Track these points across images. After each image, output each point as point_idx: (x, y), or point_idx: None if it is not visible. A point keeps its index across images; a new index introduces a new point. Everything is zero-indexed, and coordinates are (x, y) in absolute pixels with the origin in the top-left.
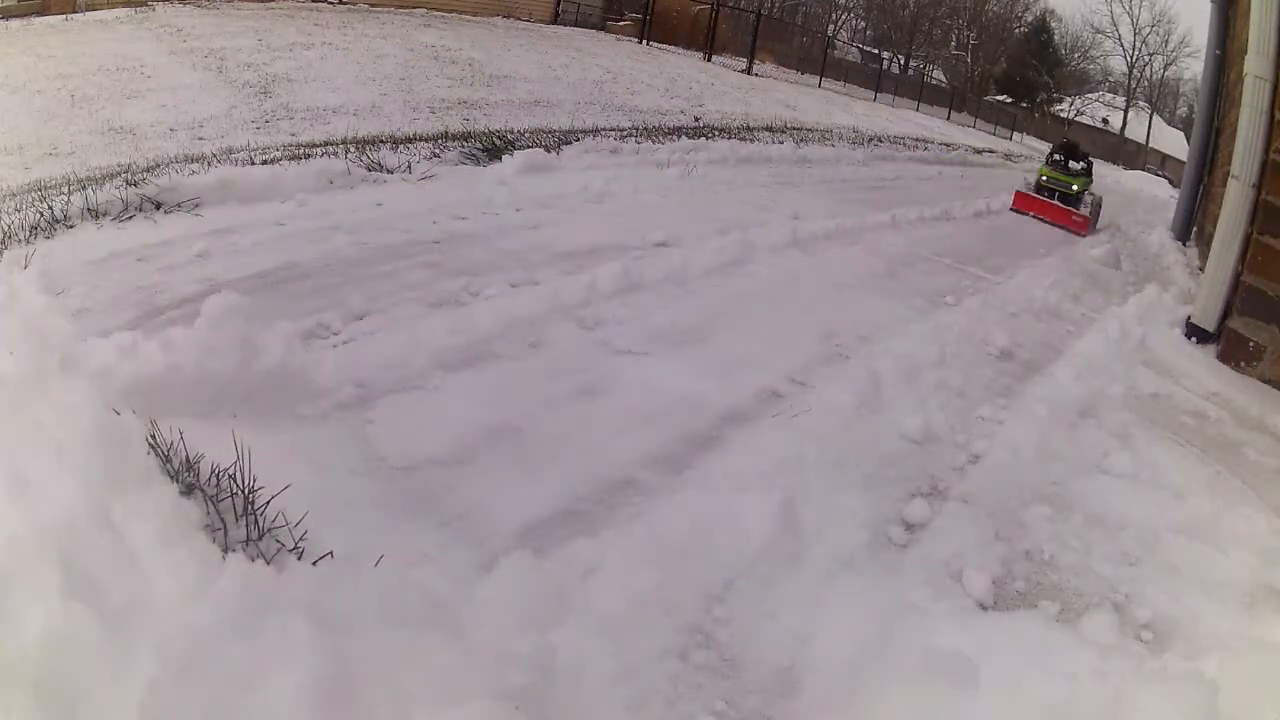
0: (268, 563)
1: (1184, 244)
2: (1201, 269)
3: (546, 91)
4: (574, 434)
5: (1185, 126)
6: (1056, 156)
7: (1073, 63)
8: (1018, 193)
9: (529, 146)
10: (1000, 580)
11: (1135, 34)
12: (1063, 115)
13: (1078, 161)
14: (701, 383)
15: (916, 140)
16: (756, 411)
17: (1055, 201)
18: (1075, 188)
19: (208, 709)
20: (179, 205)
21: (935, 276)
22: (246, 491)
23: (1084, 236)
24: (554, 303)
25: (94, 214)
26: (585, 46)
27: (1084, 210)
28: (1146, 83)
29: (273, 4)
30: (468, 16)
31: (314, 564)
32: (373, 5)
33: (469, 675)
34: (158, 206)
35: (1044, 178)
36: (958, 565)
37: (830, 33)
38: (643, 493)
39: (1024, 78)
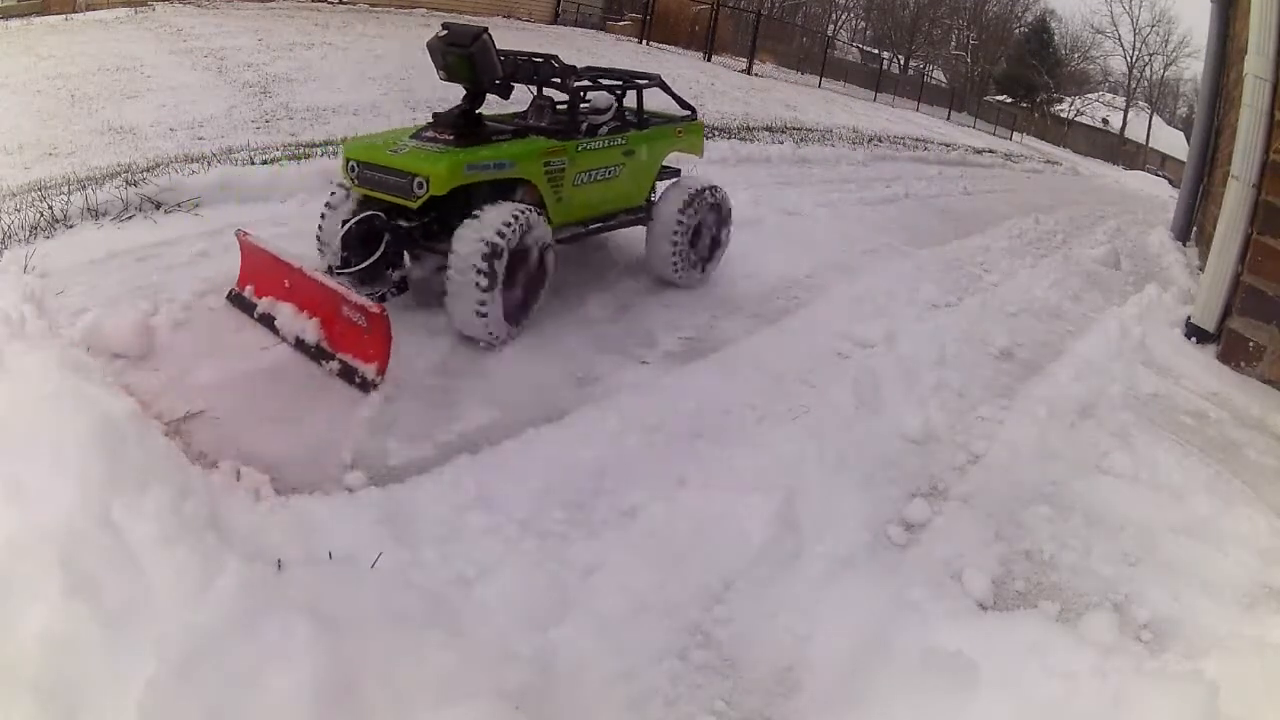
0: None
1: (1184, 244)
2: (1201, 269)
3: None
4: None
5: (1185, 126)
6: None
7: (1073, 63)
8: (245, 246)
9: None
10: (1000, 580)
11: (1135, 34)
12: (1063, 115)
13: (502, 93)
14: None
15: (916, 140)
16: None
17: (318, 276)
18: (422, 185)
19: (208, 709)
20: (179, 205)
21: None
22: None
23: (374, 382)
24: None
25: (94, 214)
26: (585, 46)
27: (473, 281)
28: (1146, 83)
29: (273, 4)
30: (468, 17)
31: (313, 564)
32: (373, 5)
33: (469, 675)
34: (158, 206)
35: (354, 169)
36: (958, 565)
37: (830, 33)
38: None
39: (1024, 78)
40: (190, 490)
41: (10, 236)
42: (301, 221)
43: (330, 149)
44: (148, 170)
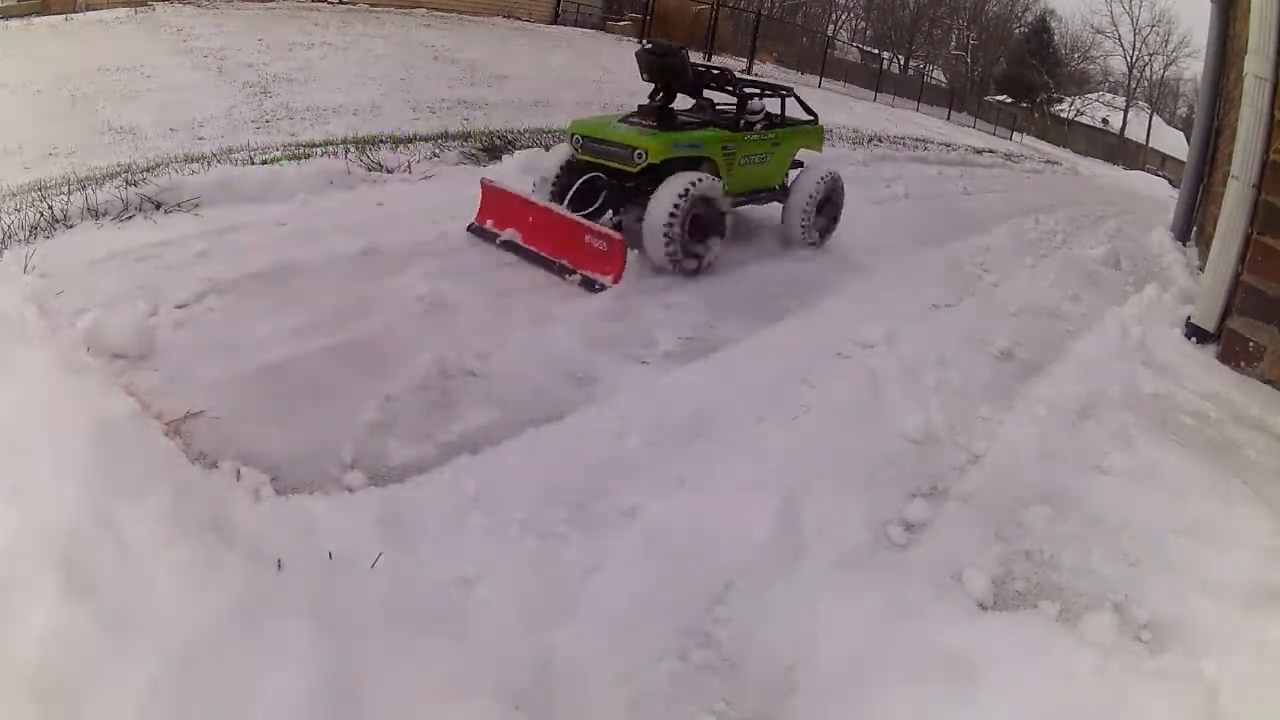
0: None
1: (1184, 244)
2: (1201, 269)
3: (546, 91)
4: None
5: (1185, 126)
6: (658, 95)
7: (1073, 63)
8: (487, 188)
9: (529, 146)
10: (1000, 580)
11: (1135, 34)
12: (1063, 115)
13: (697, 93)
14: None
15: (916, 140)
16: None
17: (566, 213)
18: (641, 156)
19: (208, 709)
20: (179, 205)
21: None
22: None
23: (605, 287)
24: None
25: (94, 214)
26: (585, 46)
27: (665, 224)
28: (1146, 83)
29: (273, 4)
30: (467, 16)
31: (313, 564)
32: (373, 5)
33: (469, 675)
34: (158, 206)
35: (579, 141)
36: (958, 565)
37: (830, 33)
38: None
39: (1024, 78)
40: (190, 490)
41: (10, 236)
42: (302, 221)
43: (330, 149)
44: (148, 170)
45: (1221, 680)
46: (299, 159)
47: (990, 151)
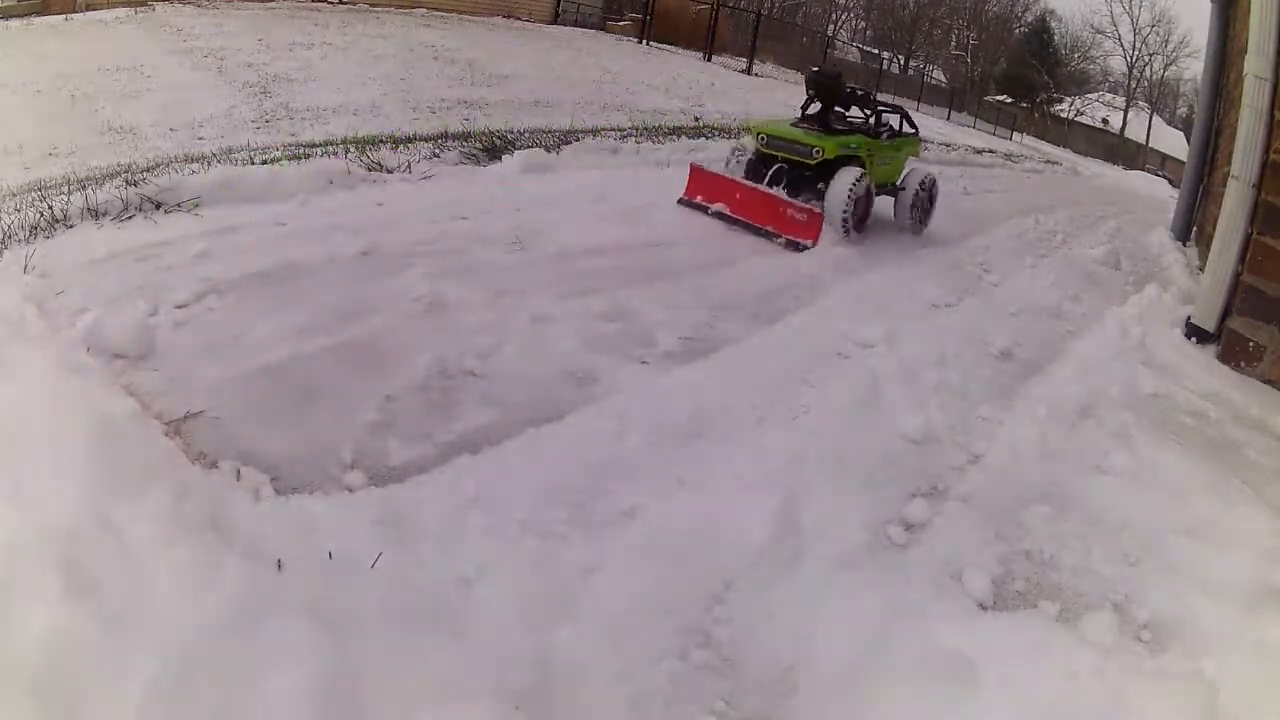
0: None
1: (1184, 244)
2: (1201, 269)
3: (546, 91)
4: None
5: (1185, 126)
6: (810, 107)
7: (1073, 63)
8: (695, 170)
9: (529, 146)
10: (1000, 580)
11: (1135, 34)
12: (1063, 115)
13: (849, 109)
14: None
15: None
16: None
17: (769, 189)
18: (819, 153)
19: (208, 709)
20: (179, 205)
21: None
22: None
23: (808, 248)
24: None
25: (94, 214)
26: (585, 46)
27: (845, 202)
28: (1146, 83)
29: (273, 4)
30: (468, 16)
31: (313, 564)
32: (373, 5)
33: (469, 675)
34: (158, 206)
35: (763, 139)
36: (958, 565)
37: (830, 33)
38: None
39: (1024, 78)
40: (190, 490)
41: (10, 236)
42: (302, 221)
43: (330, 149)
44: (148, 170)
45: (1221, 680)
46: (299, 159)
47: (990, 151)
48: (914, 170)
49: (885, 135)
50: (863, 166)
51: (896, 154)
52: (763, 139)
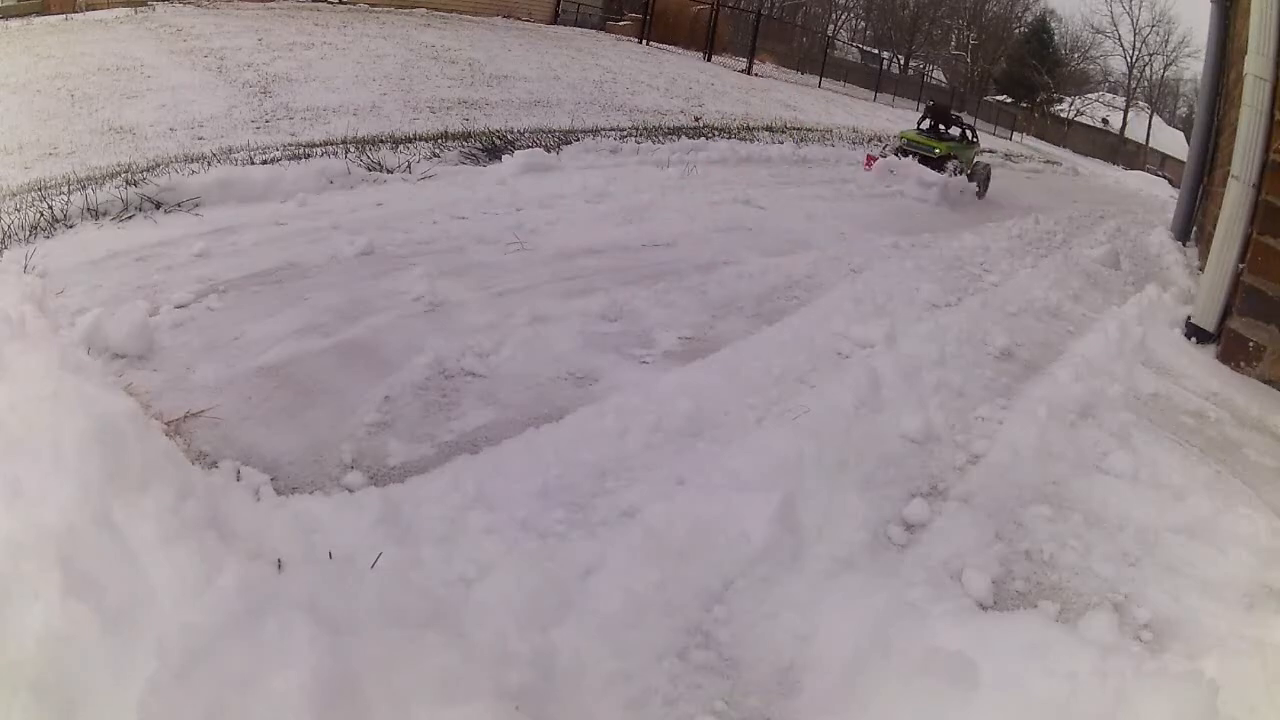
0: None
1: (1184, 244)
2: (1201, 269)
3: (546, 91)
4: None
5: (1185, 126)
6: (924, 124)
7: (1073, 63)
8: (869, 156)
9: (529, 146)
10: (1000, 580)
11: (1135, 34)
12: (1063, 115)
13: (949, 127)
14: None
15: None
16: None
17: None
18: (937, 151)
19: (208, 709)
20: (179, 205)
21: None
22: None
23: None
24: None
25: (94, 214)
26: (585, 46)
27: (951, 175)
28: (1146, 83)
29: (273, 4)
30: (468, 16)
31: (313, 564)
32: (373, 5)
33: (469, 675)
34: (158, 206)
35: (904, 141)
36: (958, 565)
37: (830, 33)
38: None
39: (1024, 78)
40: (190, 490)
41: (10, 236)
42: (302, 221)
43: (330, 149)
44: (148, 170)
45: (1221, 680)
46: (299, 159)
47: (990, 151)
48: (979, 162)
49: (964, 142)
50: (957, 159)
51: (968, 152)
52: (905, 142)
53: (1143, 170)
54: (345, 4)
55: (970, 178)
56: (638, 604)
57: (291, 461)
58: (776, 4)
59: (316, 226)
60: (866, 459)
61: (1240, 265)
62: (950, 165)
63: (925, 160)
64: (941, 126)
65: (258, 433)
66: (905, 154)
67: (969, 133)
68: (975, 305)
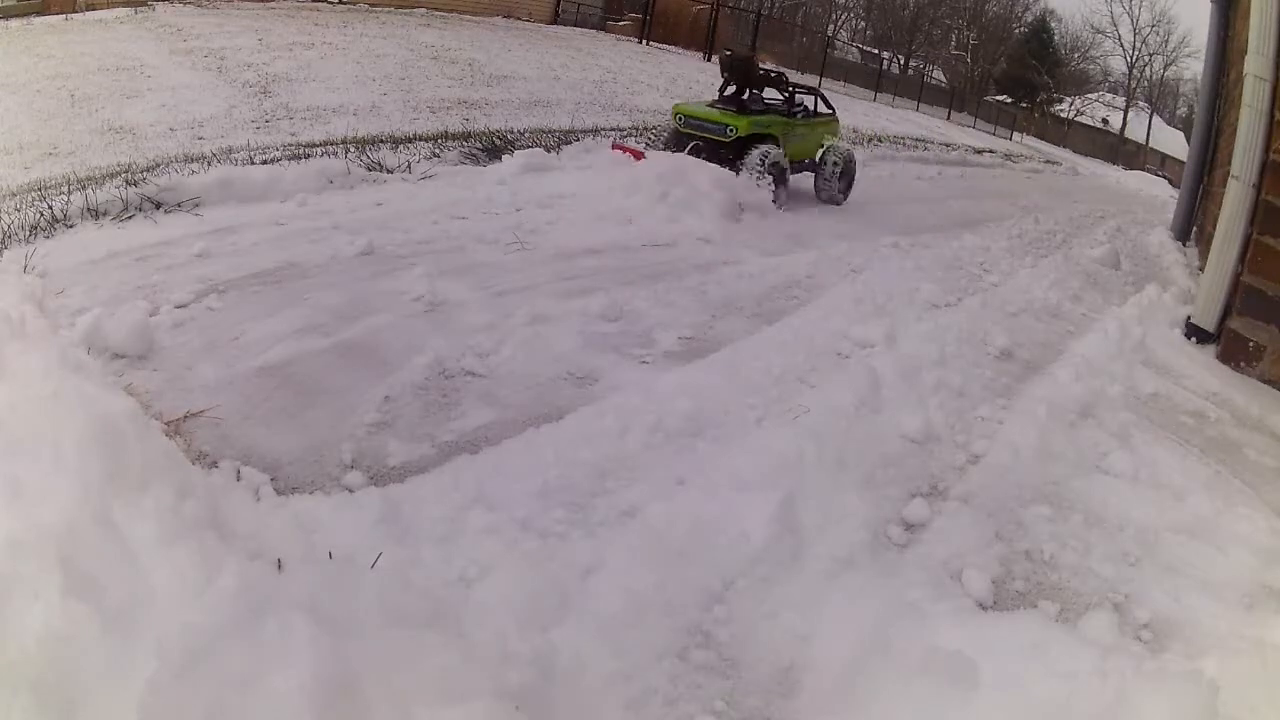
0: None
1: (1184, 244)
2: (1201, 269)
3: (546, 91)
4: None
5: (1185, 126)
6: (727, 90)
7: (1073, 63)
8: (621, 145)
9: (529, 146)
10: (1000, 580)
11: (1135, 34)
12: (1063, 115)
13: (761, 89)
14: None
15: (916, 140)
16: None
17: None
18: (732, 131)
19: (208, 709)
20: (179, 205)
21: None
22: None
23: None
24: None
25: (94, 214)
26: (585, 46)
27: (759, 175)
28: (1146, 83)
29: (273, 4)
30: (468, 16)
31: (313, 564)
32: (373, 5)
33: (469, 675)
34: (158, 206)
35: (681, 119)
36: (958, 565)
37: (830, 33)
38: None
39: (1024, 78)
40: (190, 490)
41: (10, 236)
42: (302, 221)
43: (330, 149)
44: (148, 170)
45: (1221, 680)
46: (299, 159)
47: (990, 151)
48: (831, 147)
49: (799, 115)
50: (777, 144)
51: (811, 132)
52: (680, 119)
53: (1143, 170)
54: (345, 4)
55: (817, 171)
56: (638, 604)
57: (291, 461)
58: (776, 4)
59: (316, 226)
60: (866, 459)
61: (1240, 265)
62: (758, 155)
63: (713, 151)
64: (749, 90)
65: (258, 433)
66: (679, 142)
67: (816, 100)
68: (975, 305)
